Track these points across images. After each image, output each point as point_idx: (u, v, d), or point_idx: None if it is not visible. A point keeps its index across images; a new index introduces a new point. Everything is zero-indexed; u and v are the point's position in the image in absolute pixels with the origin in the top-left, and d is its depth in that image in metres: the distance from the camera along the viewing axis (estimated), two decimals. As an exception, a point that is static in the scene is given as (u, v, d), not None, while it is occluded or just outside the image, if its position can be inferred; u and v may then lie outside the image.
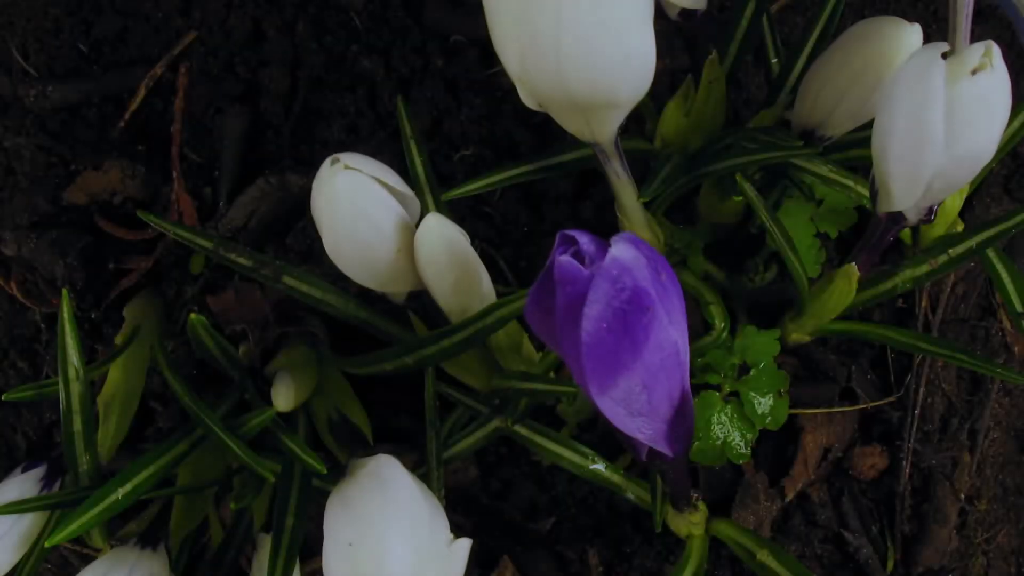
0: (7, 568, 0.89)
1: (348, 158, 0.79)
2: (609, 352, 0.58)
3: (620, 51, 0.67)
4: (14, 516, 0.89)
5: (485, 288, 0.87)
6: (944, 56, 0.71)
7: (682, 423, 0.68)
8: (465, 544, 0.73)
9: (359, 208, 0.79)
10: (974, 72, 0.70)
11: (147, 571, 0.89)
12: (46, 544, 0.82)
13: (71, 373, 0.88)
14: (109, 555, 0.91)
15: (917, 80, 0.71)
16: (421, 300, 0.89)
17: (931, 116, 0.71)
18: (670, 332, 0.60)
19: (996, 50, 0.71)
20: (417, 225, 0.82)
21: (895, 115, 0.73)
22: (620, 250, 0.56)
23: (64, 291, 0.87)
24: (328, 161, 0.80)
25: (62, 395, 0.88)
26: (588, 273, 0.56)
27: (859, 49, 0.89)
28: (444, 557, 0.72)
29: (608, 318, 0.56)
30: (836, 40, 0.92)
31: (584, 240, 0.59)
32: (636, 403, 0.62)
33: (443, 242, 0.82)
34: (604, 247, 0.59)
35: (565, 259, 0.57)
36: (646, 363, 0.59)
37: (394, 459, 0.76)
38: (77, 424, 0.89)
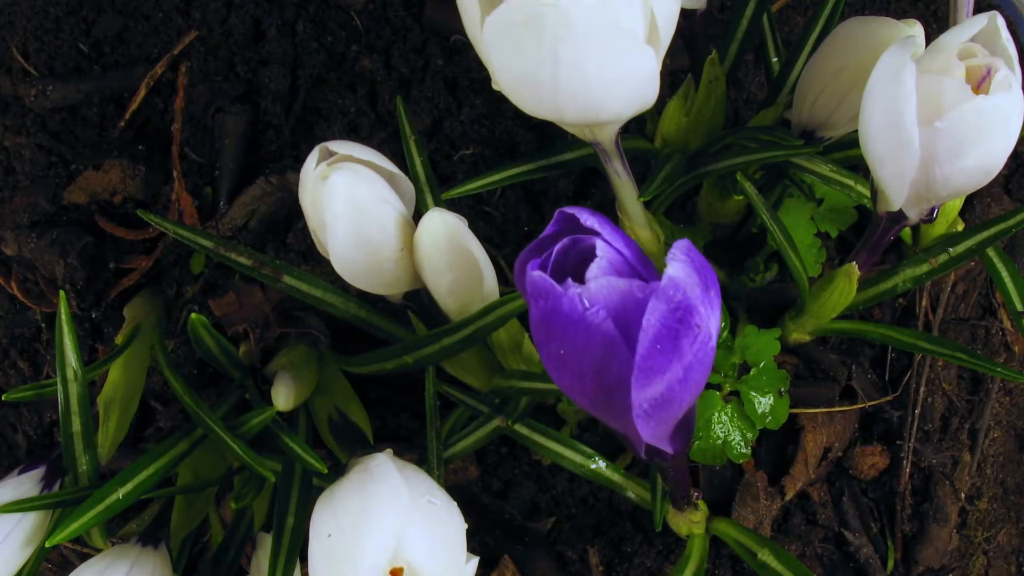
0: (12, 573, 0.89)
1: (336, 146, 0.79)
2: (656, 370, 0.58)
3: (622, 85, 0.67)
4: (15, 519, 0.89)
5: (487, 288, 0.86)
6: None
7: (686, 424, 0.68)
8: (473, 563, 0.73)
9: (362, 207, 0.78)
10: (978, 88, 0.70)
11: (148, 567, 0.88)
12: (47, 544, 0.82)
13: (69, 374, 0.88)
14: (111, 551, 0.90)
15: (888, 84, 0.71)
16: (419, 299, 0.89)
17: (904, 121, 0.70)
18: (711, 345, 0.60)
19: (1002, 73, 0.70)
20: (416, 219, 0.82)
21: (871, 119, 0.73)
22: (676, 269, 0.55)
23: (62, 293, 0.87)
24: (315, 154, 0.78)
25: (60, 396, 0.88)
26: (560, 289, 0.56)
27: (857, 52, 0.89)
28: (455, 557, 0.71)
29: (662, 338, 0.56)
30: (830, 39, 0.91)
31: (585, 215, 0.58)
32: (664, 412, 0.62)
33: (446, 240, 0.81)
34: (623, 236, 0.59)
35: (537, 275, 0.57)
36: (686, 378, 0.60)
37: (387, 457, 0.75)
38: (76, 425, 0.89)
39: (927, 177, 0.73)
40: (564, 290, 0.55)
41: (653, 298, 0.55)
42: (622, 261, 0.60)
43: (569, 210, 0.61)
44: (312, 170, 0.79)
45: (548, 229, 0.63)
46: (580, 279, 0.57)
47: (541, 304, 0.57)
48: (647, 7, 0.68)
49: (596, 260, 0.58)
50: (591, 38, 0.64)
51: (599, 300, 0.55)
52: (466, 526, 0.73)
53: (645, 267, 0.61)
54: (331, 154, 0.81)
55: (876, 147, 0.74)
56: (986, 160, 0.71)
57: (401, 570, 0.68)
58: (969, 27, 0.71)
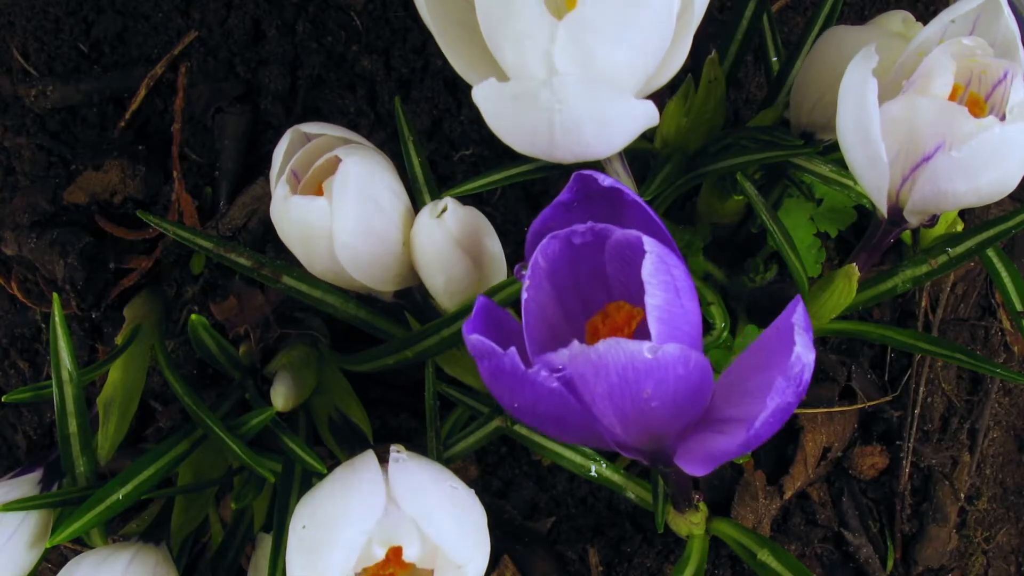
0: (20, 575, 0.88)
1: (309, 127, 0.79)
2: (764, 433, 0.59)
3: (619, 133, 0.68)
4: (17, 521, 0.88)
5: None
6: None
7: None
8: None
9: (372, 196, 0.79)
10: (987, 99, 0.69)
11: (151, 560, 0.88)
12: (47, 544, 0.82)
13: (65, 376, 0.88)
14: (111, 545, 0.90)
15: (853, 101, 0.70)
16: (410, 297, 0.89)
17: (870, 137, 0.70)
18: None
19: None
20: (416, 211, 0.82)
21: (843, 134, 0.73)
22: (802, 347, 0.57)
23: (55, 295, 0.87)
24: (287, 138, 0.78)
25: (56, 398, 0.88)
26: (500, 350, 0.56)
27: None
28: (480, 538, 0.71)
29: (780, 411, 0.58)
30: (823, 46, 0.91)
31: (602, 177, 0.59)
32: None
33: (443, 238, 0.81)
34: (643, 203, 0.60)
35: (475, 338, 0.57)
36: (782, 420, 0.61)
37: (372, 455, 0.75)
38: (73, 426, 0.89)
39: (936, 191, 0.73)
40: (504, 351, 0.56)
41: (780, 377, 0.57)
42: (671, 253, 0.59)
43: (586, 173, 0.61)
44: (282, 153, 0.79)
45: (563, 195, 0.63)
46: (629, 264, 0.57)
47: (486, 363, 0.58)
48: (651, 61, 0.68)
49: (647, 257, 0.58)
50: (585, 107, 0.64)
51: (607, 361, 0.55)
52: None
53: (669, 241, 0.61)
54: (308, 138, 0.82)
55: (852, 159, 0.75)
56: (1000, 183, 0.71)
57: (400, 549, 0.68)
58: (959, 7, 0.70)
